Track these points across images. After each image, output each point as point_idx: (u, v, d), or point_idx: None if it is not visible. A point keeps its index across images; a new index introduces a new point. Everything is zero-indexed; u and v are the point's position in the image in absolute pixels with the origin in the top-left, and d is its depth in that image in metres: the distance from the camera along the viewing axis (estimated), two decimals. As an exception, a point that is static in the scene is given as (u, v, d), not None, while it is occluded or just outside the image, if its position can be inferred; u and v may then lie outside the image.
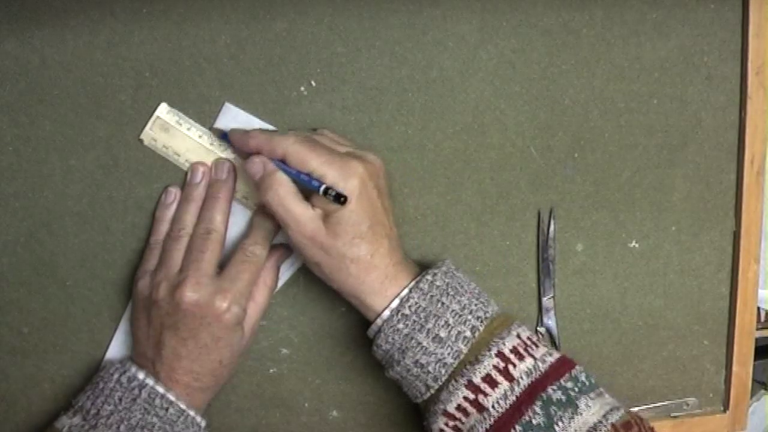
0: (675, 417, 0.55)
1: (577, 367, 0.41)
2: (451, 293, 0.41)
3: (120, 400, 0.40)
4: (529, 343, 0.41)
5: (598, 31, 0.48)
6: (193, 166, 0.44)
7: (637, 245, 0.52)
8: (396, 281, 0.41)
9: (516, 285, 0.50)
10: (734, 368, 0.55)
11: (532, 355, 0.40)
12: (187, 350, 0.41)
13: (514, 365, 0.39)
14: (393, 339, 0.40)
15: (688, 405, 0.55)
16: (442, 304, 0.40)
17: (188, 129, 0.44)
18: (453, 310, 0.40)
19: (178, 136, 0.44)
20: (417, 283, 0.41)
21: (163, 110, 0.43)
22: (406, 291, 0.41)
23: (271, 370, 0.48)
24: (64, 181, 0.44)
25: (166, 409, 0.40)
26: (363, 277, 0.40)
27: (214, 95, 0.44)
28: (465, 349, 0.40)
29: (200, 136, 0.44)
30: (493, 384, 0.39)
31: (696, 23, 0.49)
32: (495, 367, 0.39)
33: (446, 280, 0.41)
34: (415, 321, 0.40)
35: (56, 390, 0.46)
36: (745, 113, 0.51)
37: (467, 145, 0.48)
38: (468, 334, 0.40)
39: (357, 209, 0.39)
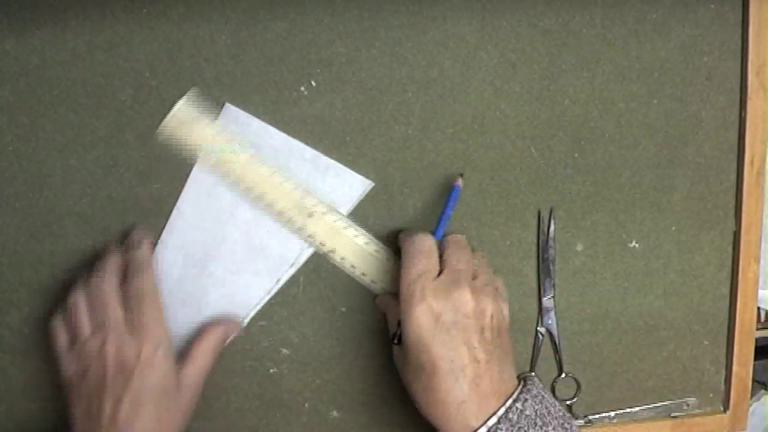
0: (675, 417, 0.55)
1: None
2: (539, 423, 0.40)
3: None
4: None
5: (598, 31, 0.48)
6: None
7: (637, 245, 0.52)
8: (480, 408, 0.39)
9: (516, 285, 0.50)
10: (734, 368, 0.55)
11: None
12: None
13: None
14: None
15: (688, 405, 0.55)
16: None
17: (206, 124, 0.44)
18: None
19: (196, 130, 0.44)
20: (506, 412, 0.39)
21: (182, 104, 0.43)
22: (494, 420, 0.39)
23: (271, 370, 0.48)
24: (64, 181, 0.44)
25: None
26: (431, 409, 0.40)
27: (214, 95, 0.44)
28: None
29: (217, 132, 0.44)
30: None
31: (696, 23, 0.49)
32: None
33: (535, 407, 0.40)
34: None
35: (56, 390, 0.46)
36: (745, 113, 0.51)
37: (467, 145, 0.48)
38: None
39: (416, 335, 0.39)
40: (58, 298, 0.45)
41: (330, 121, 0.46)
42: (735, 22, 0.50)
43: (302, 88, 0.45)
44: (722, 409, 0.56)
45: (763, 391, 0.80)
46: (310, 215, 0.46)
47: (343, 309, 0.48)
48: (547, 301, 0.51)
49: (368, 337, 0.49)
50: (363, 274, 0.47)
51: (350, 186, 0.47)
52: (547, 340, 0.51)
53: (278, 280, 0.47)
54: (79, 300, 0.42)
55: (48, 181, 0.43)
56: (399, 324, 0.41)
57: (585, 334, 0.52)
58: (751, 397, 0.64)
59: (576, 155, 0.50)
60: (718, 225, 0.53)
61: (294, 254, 0.47)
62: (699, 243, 0.53)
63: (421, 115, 0.47)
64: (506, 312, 0.43)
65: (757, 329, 0.55)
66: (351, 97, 0.46)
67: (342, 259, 0.46)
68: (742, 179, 0.52)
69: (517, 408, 0.39)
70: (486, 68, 0.47)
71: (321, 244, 0.46)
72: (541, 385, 0.42)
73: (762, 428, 0.80)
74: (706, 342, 0.55)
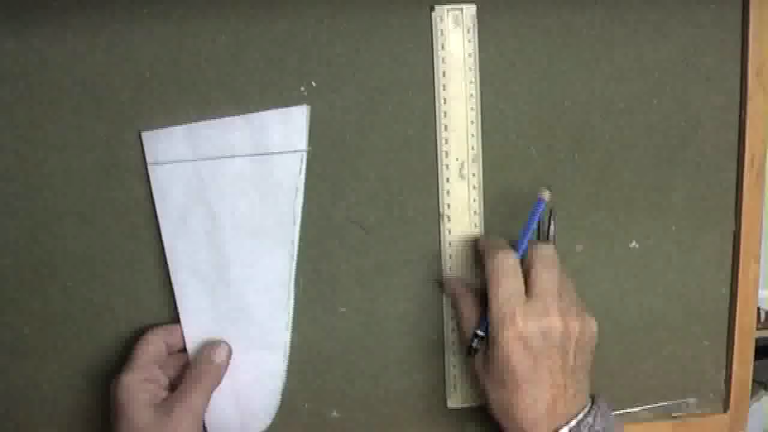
0: (675, 417, 0.55)
1: None
2: None
3: None
4: None
5: (598, 31, 0.48)
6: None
7: (637, 245, 0.52)
8: (552, 424, 0.41)
9: (516, 285, 0.50)
10: (734, 368, 0.55)
11: None
12: None
13: None
14: None
15: (688, 405, 0.55)
16: None
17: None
18: None
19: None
20: (577, 424, 0.41)
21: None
22: (565, 430, 0.41)
23: (271, 370, 0.48)
24: (64, 181, 0.44)
25: None
26: (505, 418, 0.42)
27: (214, 95, 0.44)
28: None
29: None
30: None
31: (696, 23, 0.49)
32: None
33: (603, 425, 0.42)
34: None
35: (56, 390, 0.46)
36: (745, 113, 0.51)
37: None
38: None
39: (504, 357, 0.41)
40: (60, 303, 0.45)
41: (330, 121, 0.46)
42: (735, 23, 0.50)
43: (302, 88, 0.45)
44: (722, 409, 0.56)
45: (763, 391, 0.80)
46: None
47: (343, 309, 0.48)
48: (547, 301, 0.51)
49: (368, 337, 0.49)
50: (450, 257, 0.48)
51: (294, 122, 0.45)
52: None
53: (293, 259, 0.47)
54: None
55: (48, 181, 0.43)
56: (476, 336, 0.43)
57: (585, 334, 0.52)
58: (751, 397, 0.64)
59: (576, 155, 0.50)
60: (718, 225, 0.53)
61: (289, 234, 0.46)
62: (699, 243, 0.53)
63: (421, 115, 0.47)
64: (594, 328, 0.44)
65: (757, 329, 0.55)
66: (351, 97, 0.46)
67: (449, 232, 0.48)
68: (742, 179, 0.52)
69: (588, 422, 0.41)
70: (486, 68, 0.47)
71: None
72: (606, 404, 0.44)
73: (762, 428, 0.80)
74: (706, 342, 0.55)
